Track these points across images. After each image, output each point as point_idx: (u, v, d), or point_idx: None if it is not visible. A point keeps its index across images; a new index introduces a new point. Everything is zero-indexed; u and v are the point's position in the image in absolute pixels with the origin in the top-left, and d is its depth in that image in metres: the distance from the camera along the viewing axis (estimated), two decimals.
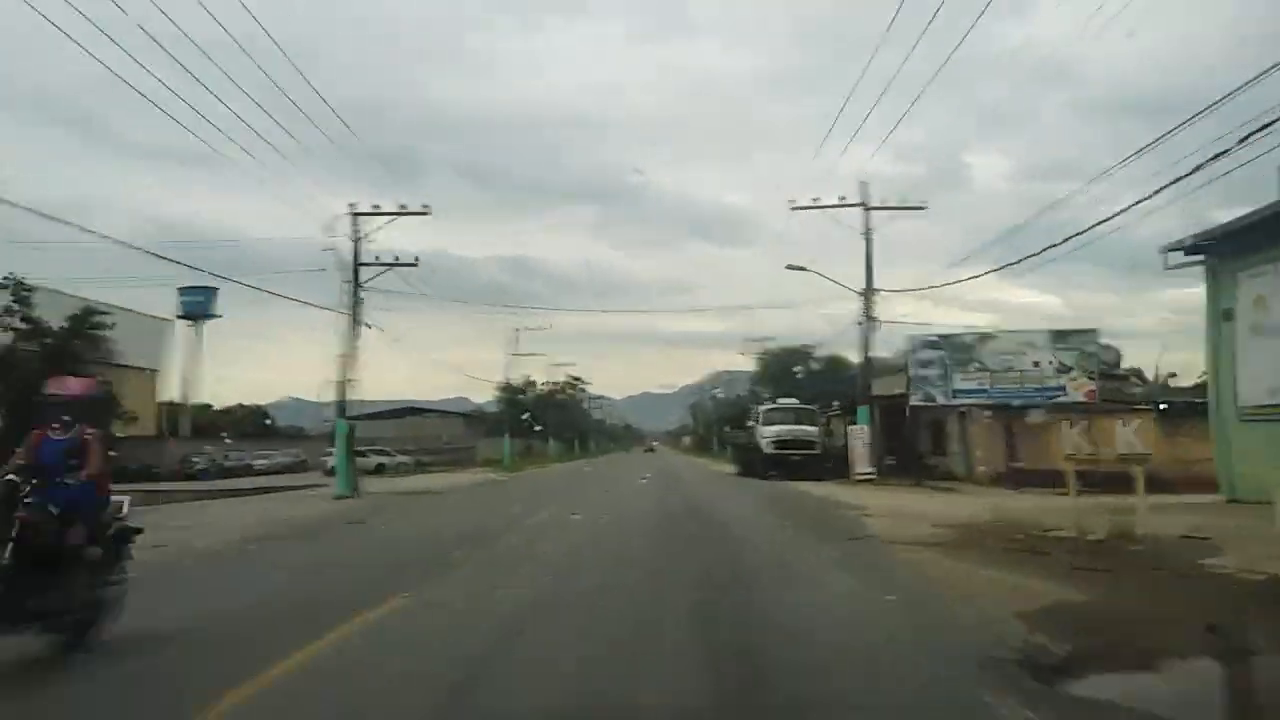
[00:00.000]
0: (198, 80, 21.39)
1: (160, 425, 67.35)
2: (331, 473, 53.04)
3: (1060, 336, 29.37)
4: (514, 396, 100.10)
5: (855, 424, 30.92)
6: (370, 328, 30.00)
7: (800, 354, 65.95)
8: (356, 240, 29.89)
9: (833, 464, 33.88)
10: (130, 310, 47.62)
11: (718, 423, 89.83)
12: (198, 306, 63.31)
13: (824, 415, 35.90)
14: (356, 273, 29.82)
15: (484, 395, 73.37)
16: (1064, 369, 28.77)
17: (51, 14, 15.61)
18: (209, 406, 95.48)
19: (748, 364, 73.14)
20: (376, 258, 30.78)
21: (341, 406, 30.49)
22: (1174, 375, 42.91)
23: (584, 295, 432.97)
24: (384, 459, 54.57)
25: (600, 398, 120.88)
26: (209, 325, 66.63)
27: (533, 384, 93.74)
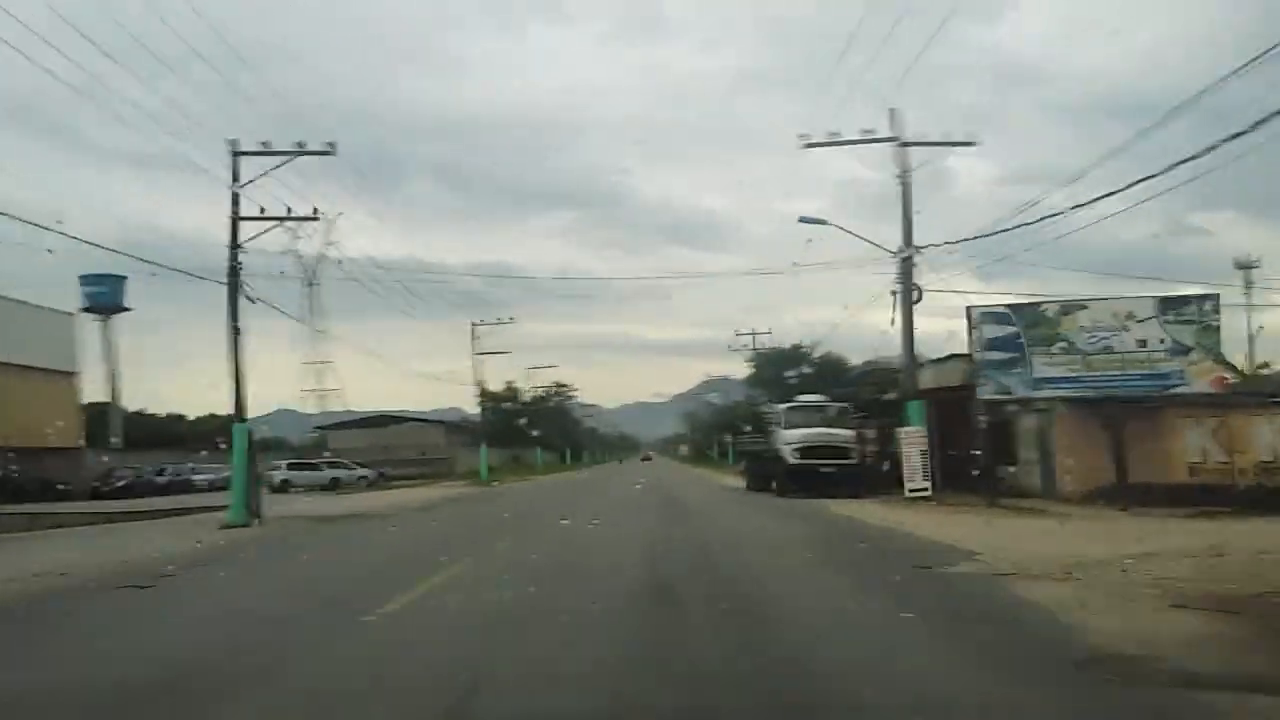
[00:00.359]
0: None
1: (109, 433, 60.24)
2: (279, 488, 45.69)
3: (1170, 304, 21.81)
4: (499, 404, 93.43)
5: (905, 426, 23.42)
6: (255, 302, 22.46)
7: (794, 355, 58.91)
8: (236, 190, 22.38)
9: (868, 477, 26.46)
10: (25, 302, 40.06)
11: (716, 429, 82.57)
12: (103, 298, 55.14)
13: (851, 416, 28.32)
14: (235, 229, 22.31)
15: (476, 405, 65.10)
16: (1180, 348, 21.32)
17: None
18: (182, 417, 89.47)
19: (740, 369, 66.02)
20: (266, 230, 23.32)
21: (239, 408, 22.89)
22: (1265, 366, 36.00)
23: (567, 302, 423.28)
24: (340, 473, 47.00)
25: (591, 406, 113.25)
26: (120, 320, 57.80)
27: (517, 390, 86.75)
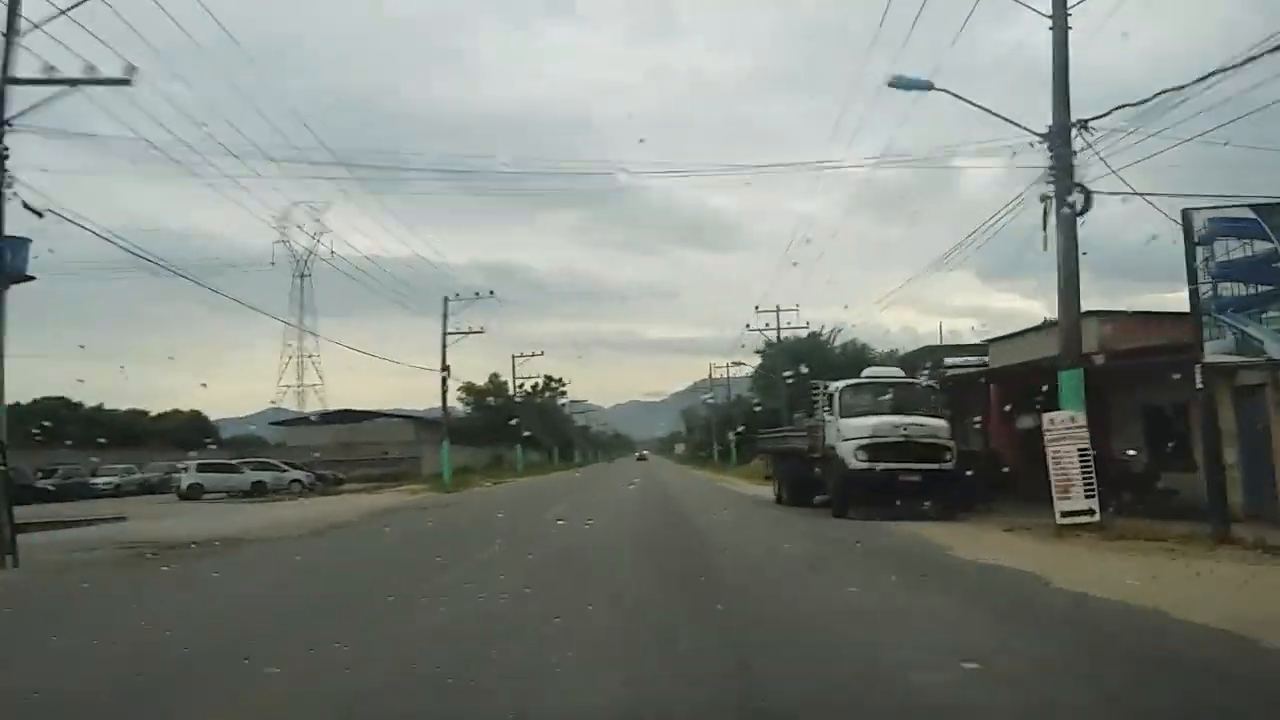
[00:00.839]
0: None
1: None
2: (188, 494, 36.67)
3: None
4: (482, 399, 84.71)
5: (1053, 410, 14.40)
6: (33, 212, 13.57)
7: (810, 346, 50.26)
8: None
9: (962, 487, 17.55)
10: None
11: (722, 426, 73.94)
12: None
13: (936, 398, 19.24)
14: None
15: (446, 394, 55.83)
16: None
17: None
18: (145, 413, 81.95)
19: (746, 360, 57.19)
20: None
21: None
22: None
23: (568, 300, 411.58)
24: (266, 475, 37.81)
25: (582, 401, 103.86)
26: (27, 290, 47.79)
27: (504, 384, 78.04)
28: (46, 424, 43.51)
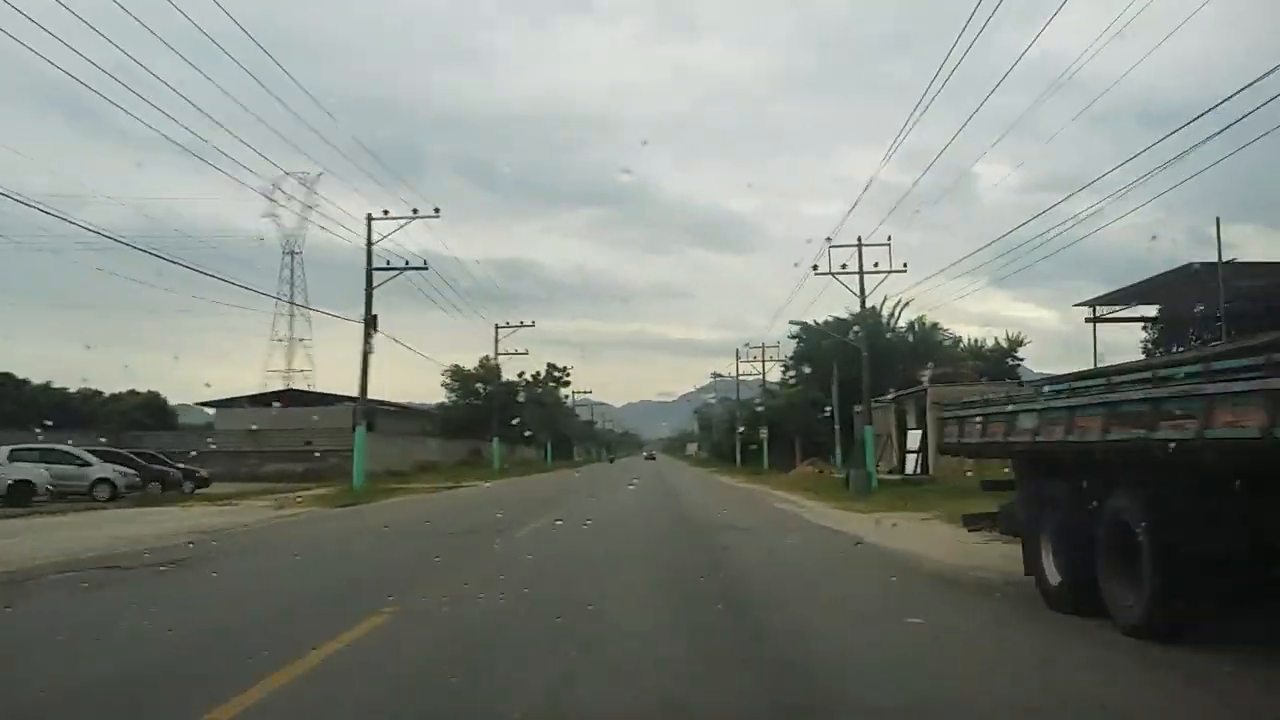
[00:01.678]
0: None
1: None
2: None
3: None
4: (469, 384, 70.93)
5: None
6: None
7: (863, 326, 35.72)
8: None
9: None
10: None
11: (746, 424, 59.13)
12: None
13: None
14: None
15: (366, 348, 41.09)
16: None
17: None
18: (99, 393, 69.58)
19: (799, 320, 43.07)
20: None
21: None
22: None
23: (581, 299, 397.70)
24: (43, 470, 22.88)
25: (588, 393, 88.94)
26: None
27: (496, 368, 63.31)
28: None
